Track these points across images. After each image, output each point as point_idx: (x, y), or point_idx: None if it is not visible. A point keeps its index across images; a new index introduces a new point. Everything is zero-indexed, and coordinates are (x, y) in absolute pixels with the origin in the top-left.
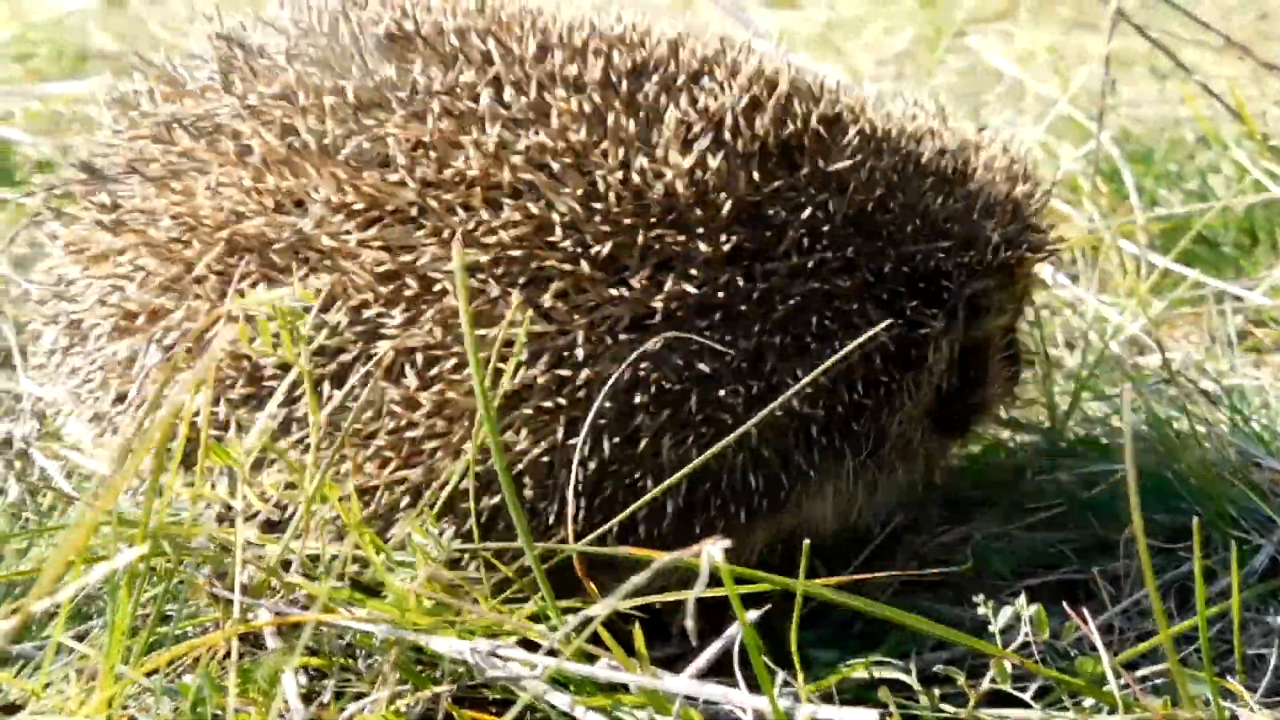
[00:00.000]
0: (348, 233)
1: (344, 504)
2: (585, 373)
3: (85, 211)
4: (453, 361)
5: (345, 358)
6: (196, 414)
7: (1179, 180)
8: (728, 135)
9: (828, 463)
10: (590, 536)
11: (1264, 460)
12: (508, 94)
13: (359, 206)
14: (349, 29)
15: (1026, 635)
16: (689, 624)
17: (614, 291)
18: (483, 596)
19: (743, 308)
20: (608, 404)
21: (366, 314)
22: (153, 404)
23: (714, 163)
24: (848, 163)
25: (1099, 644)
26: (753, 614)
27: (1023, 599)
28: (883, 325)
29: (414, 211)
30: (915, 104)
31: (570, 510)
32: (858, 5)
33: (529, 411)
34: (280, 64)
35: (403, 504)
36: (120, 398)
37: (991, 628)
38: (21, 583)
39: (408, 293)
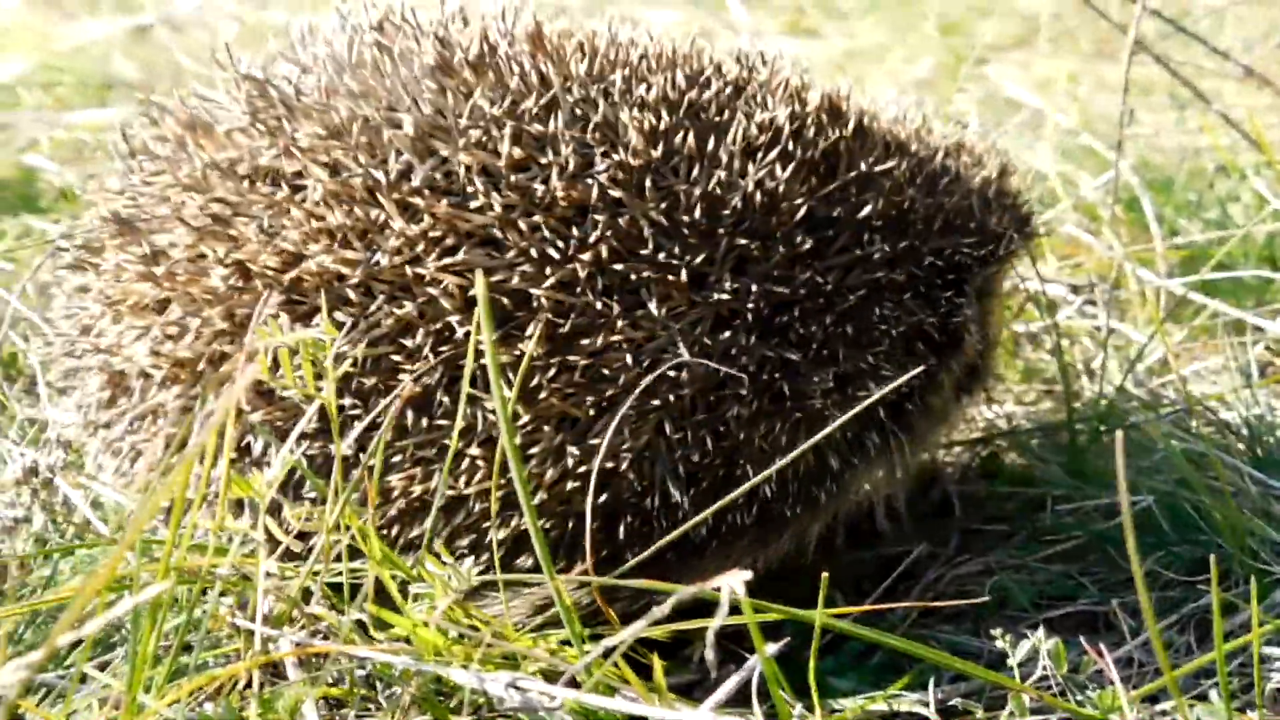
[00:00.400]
0: (424, 261)
1: (366, 531)
2: (682, 370)
3: (123, 262)
4: (552, 370)
5: (430, 380)
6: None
7: (1198, 209)
8: (788, 146)
9: (886, 441)
10: (686, 525)
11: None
12: (574, 114)
13: (436, 234)
14: (389, 61)
15: (1045, 668)
16: (709, 655)
17: (699, 296)
18: (506, 626)
19: (811, 303)
20: (703, 399)
21: (453, 334)
22: (179, 441)
23: (780, 172)
24: (883, 165)
25: (1116, 678)
26: (772, 647)
27: (1041, 632)
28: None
29: (495, 235)
30: (912, 108)
31: (676, 500)
32: (878, 33)
33: (629, 413)
34: (323, 102)
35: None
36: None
37: (1010, 661)
38: (44, 611)
39: (498, 310)
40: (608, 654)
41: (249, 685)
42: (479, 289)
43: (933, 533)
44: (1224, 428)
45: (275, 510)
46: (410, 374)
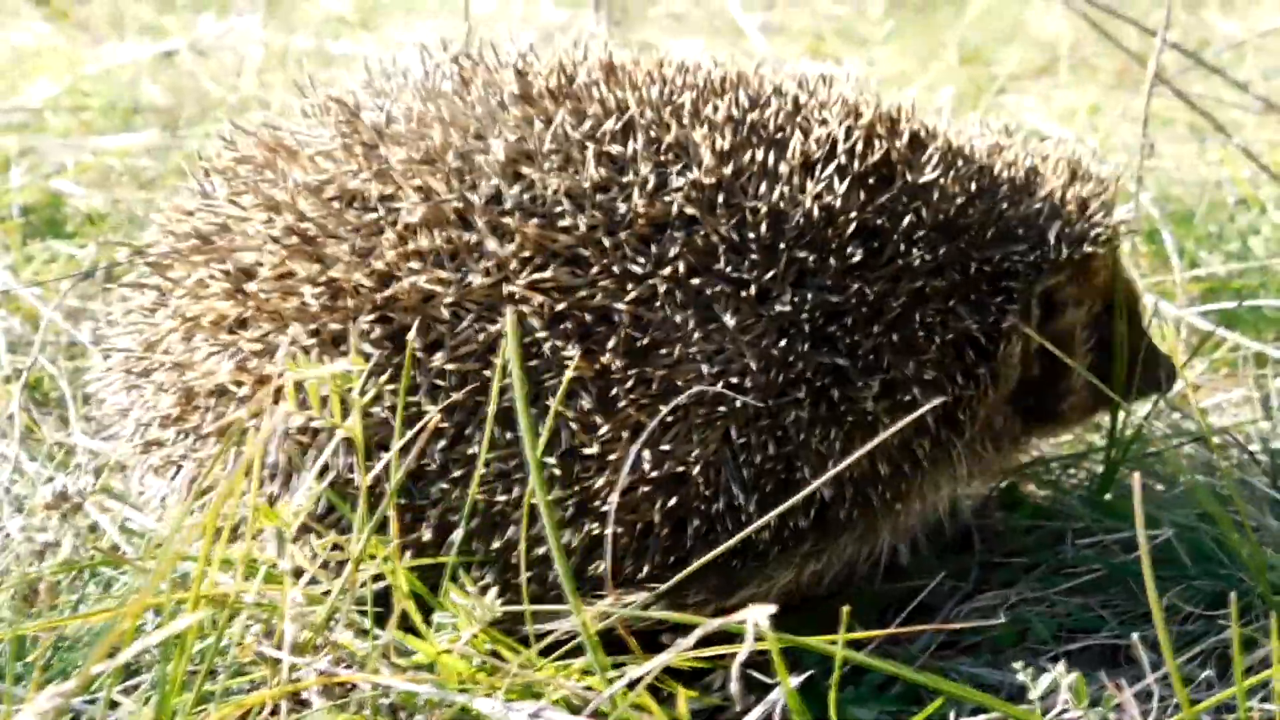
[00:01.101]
0: (513, 280)
1: (393, 563)
2: (749, 379)
3: (206, 278)
4: (630, 381)
5: (506, 397)
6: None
7: (1219, 242)
8: (843, 159)
9: (938, 450)
10: (751, 528)
11: None
12: (649, 136)
13: (525, 254)
14: (473, 92)
15: (1065, 702)
16: (734, 689)
17: (764, 309)
18: (530, 654)
19: (863, 311)
20: (765, 406)
21: (540, 350)
22: (208, 476)
23: (838, 186)
24: (931, 175)
25: (1135, 713)
26: (795, 679)
27: (1061, 666)
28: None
29: (580, 253)
30: (984, 124)
31: (741, 501)
32: (899, 62)
33: (699, 420)
34: (415, 129)
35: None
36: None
37: (1030, 694)
38: (72, 636)
39: (581, 326)
40: (635, 684)
41: (275, 713)
42: (509, 326)
43: (953, 565)
44: (1245, 460)
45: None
46: (503, 387)
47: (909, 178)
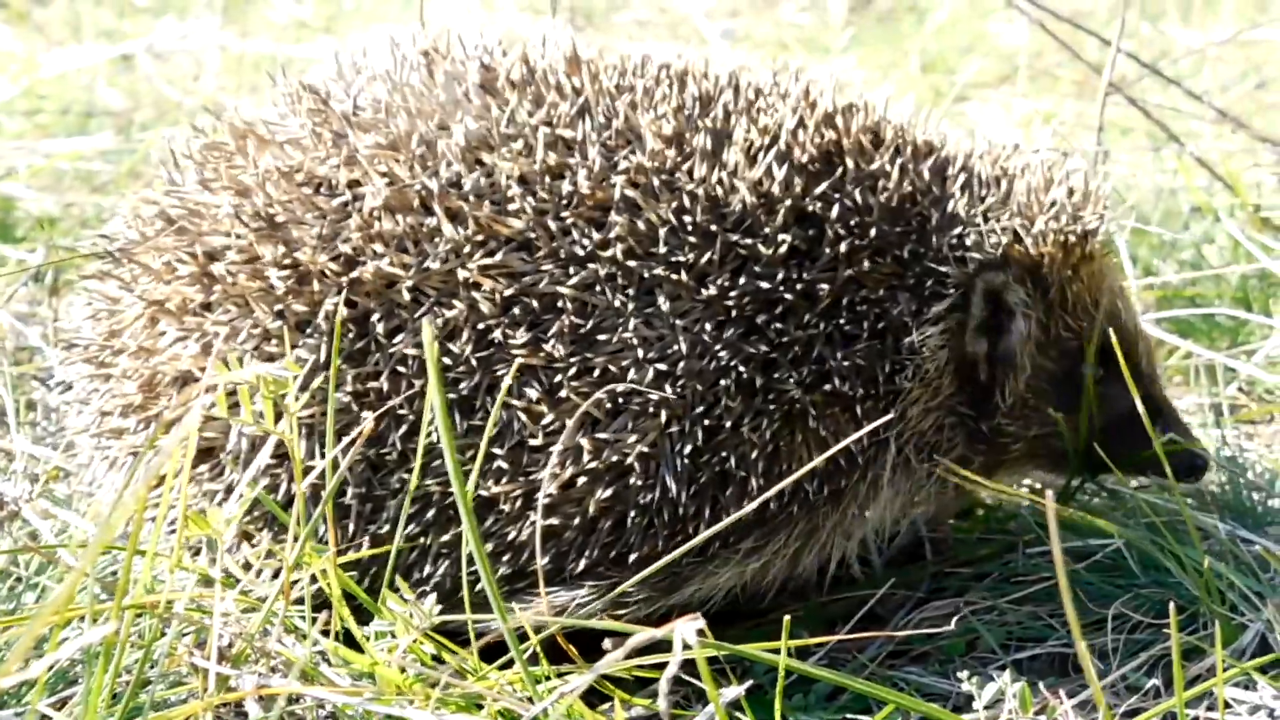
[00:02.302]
0: (468, 265)
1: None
2: (681, 366)
3: (173, 262)
4: (573, 370)
5: (466, 385)
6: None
7: (1173, 250)
8: (784, 147)
9: (873, 447)
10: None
11: (1254, 535)
12: (600, 121)
13: (479, 239)
14: (438, 82)
15: (1012, 711)
16: (662, 705)
17: (702, 293)
18: (472, 658)
19: (797, 299)
20: (698, 393)
21: (492, 337)
22: (131, 476)
23: (777, 173)
24: (878, 164)
25: None
26: (732, 691)
27: (1007, 675)
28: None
29: (530, 237)
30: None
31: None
32: (860, 70)
33: (635, 409)
34: (381, 116)
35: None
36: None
37: (976, 703)
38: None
39: (529, 313)
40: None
41: None
42: (426, 339)
43: (903, 575)
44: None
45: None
46: (458, 375)
47: (855, 165)
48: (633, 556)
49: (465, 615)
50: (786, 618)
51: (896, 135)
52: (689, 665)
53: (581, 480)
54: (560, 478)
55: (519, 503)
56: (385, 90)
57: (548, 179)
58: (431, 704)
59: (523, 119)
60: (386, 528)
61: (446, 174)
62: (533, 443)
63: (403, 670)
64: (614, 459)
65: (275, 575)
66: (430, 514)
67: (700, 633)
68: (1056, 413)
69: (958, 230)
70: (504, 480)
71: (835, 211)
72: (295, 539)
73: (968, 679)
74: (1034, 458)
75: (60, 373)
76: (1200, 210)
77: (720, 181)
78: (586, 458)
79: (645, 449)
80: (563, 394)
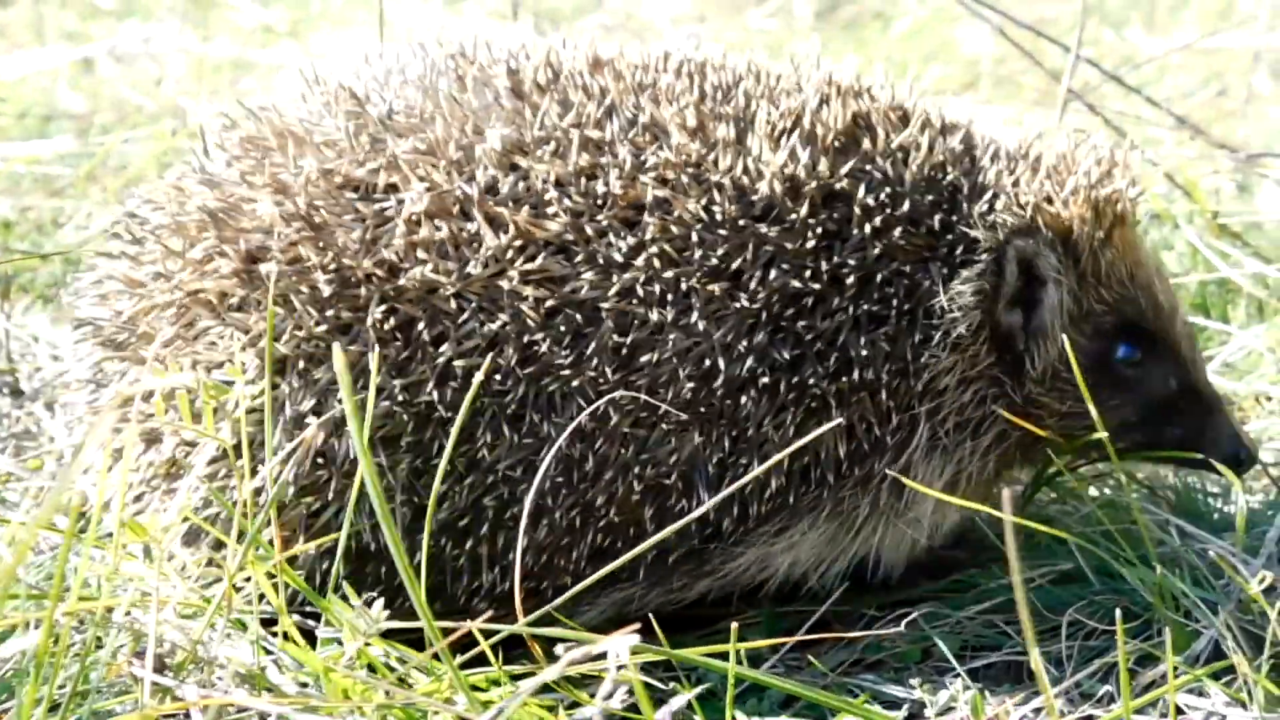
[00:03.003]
0: (509, 271)
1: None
2: (716, 379)
3: (213, 252)
4: (618, 392)
5: (513, 398)
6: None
7: None
8: (808, 127)
9: (901, 434)
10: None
11: (1209, 542)
12: (627, 119)
13: (519, 244)
14: (471, 86)
15: (964, 719)
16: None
17: (733, 302)
18: (428, 660)
19: (820, 288)
20: (726, 402)
21: (537, 350)
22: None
23: (802, 155)
24: (906, 136)
25: None
26: (679, 700)
27: (959, 683)
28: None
29: (568, 240)
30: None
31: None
32: None
33: (671, 425)
34: (416, 121)
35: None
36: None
37: (928, 710)
38: None
39: (572, 325)
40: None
41: None
42: (337, 365)
43: (860, 585)
44: (1151, 478)
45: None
46: (504, 388)
47: (884, 137)
48: (673, 557)
49: (402, 622)
50: (734, 624)
51: (922, 112)
52: (652, 666)
53: (633, 498)
54: (613, 497)
55: (576, 519)
56: (419, 95)
57: (582, 180)
58: (372, 710)
59: (552, 122)
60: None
61: (483, 179)
62: (584, 466)
63: (349, 676)
64: (655, 477)
65: (233, 583)
66: (484, 527)
67: (643, 641)
68: (1091, 390)
69: (988, 197)
70: (560, 498)
71: (864, 187)
72: (236, 544)
73: (920, 686)
74: (1071, 438)
75: (69, 350)
76: (1159, 217)
77: (746, 170)
78: (633, 480)
79: (684, 466)
80: (611, 416)
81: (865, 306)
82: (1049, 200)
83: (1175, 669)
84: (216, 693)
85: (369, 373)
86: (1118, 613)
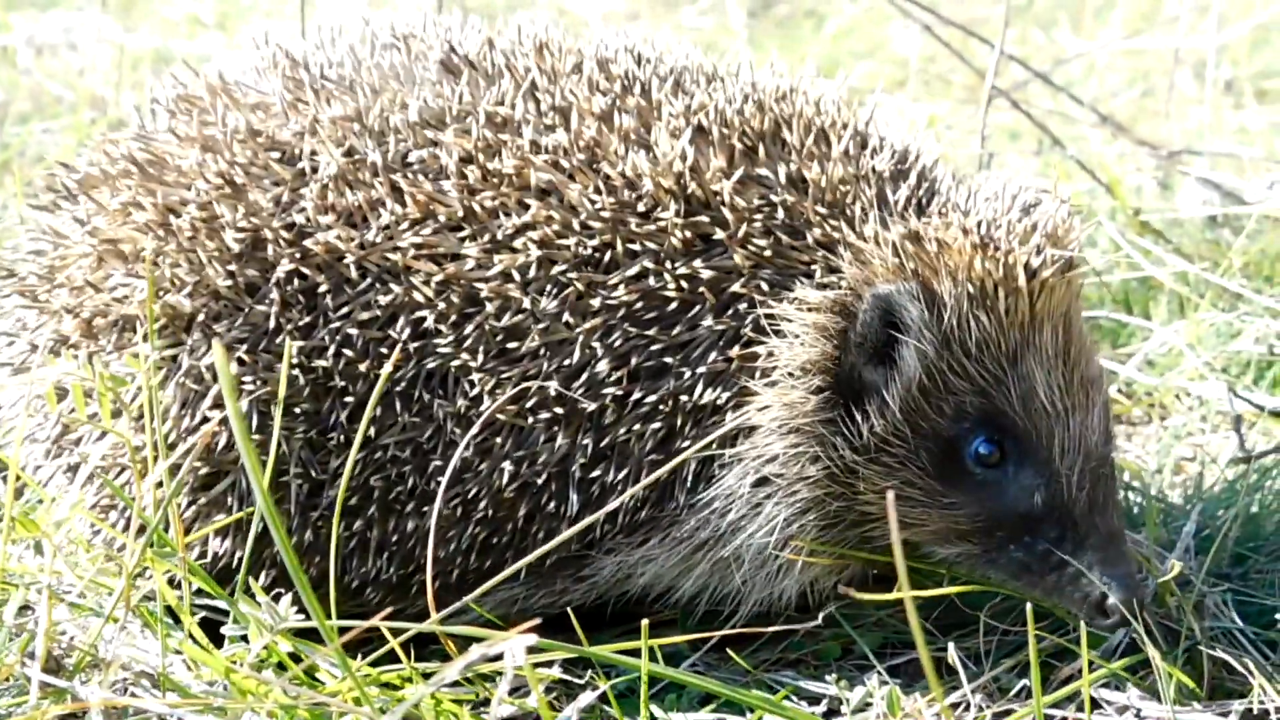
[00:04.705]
0: (405, 244)
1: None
2: (585, 375)
3: (129, 204)
4: (491, 382)
5: (403, 373)
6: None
7: None
8: (710, 125)
9: (728, 465)
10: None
11: (1131, 535)
12: (542, 101)
13: (415, 216)
14: (404, 58)
15: (880, 714)
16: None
17: (597, 298)
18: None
19: (682, 296)
20: (589, 405)
21: (425, 326)
22: None
23: (690, 153)
24: (823, 145)
25: None
26: (586, 697)
27: (875, 679)
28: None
29: (459, 216)
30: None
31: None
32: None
33: (542, 424)
34: (347, 89)
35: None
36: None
37: (844, 707)
38: None
39: (455, 306)
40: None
41: None
42: (217, 357)
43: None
44: None
45: None
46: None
47: (794, 143)
48: (550, 560)
49: (314, 622)
50: (645, 621)
51: (846, 123)
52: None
53: (507, 495)
54: (489, 490)
55: (458, 509)
56: (352, 65)
57: (482, 157)
58: (267, 711)
59: (470, 98)
60: (326, 514)
61: (397, 149)
62: (465, 453)
63: (251, 676)
64: (530, 475)
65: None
66: (372, 507)
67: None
68: (926, 479)
69: (874, 224)
70: (442, 485)
71: (747, 192)
72: (134, 540)
73: (836, 682)
74: (901, 524)
75: None
76: (1082, 213)
77: (636, 165)
78: (507, 476)
79: (555, 467)
80: (484, 404)
81: (724, 321)
82: (929, 242)
83: (1091, 663)
84: (115, 693)
85: (270, 334)
86: (1027, 608)
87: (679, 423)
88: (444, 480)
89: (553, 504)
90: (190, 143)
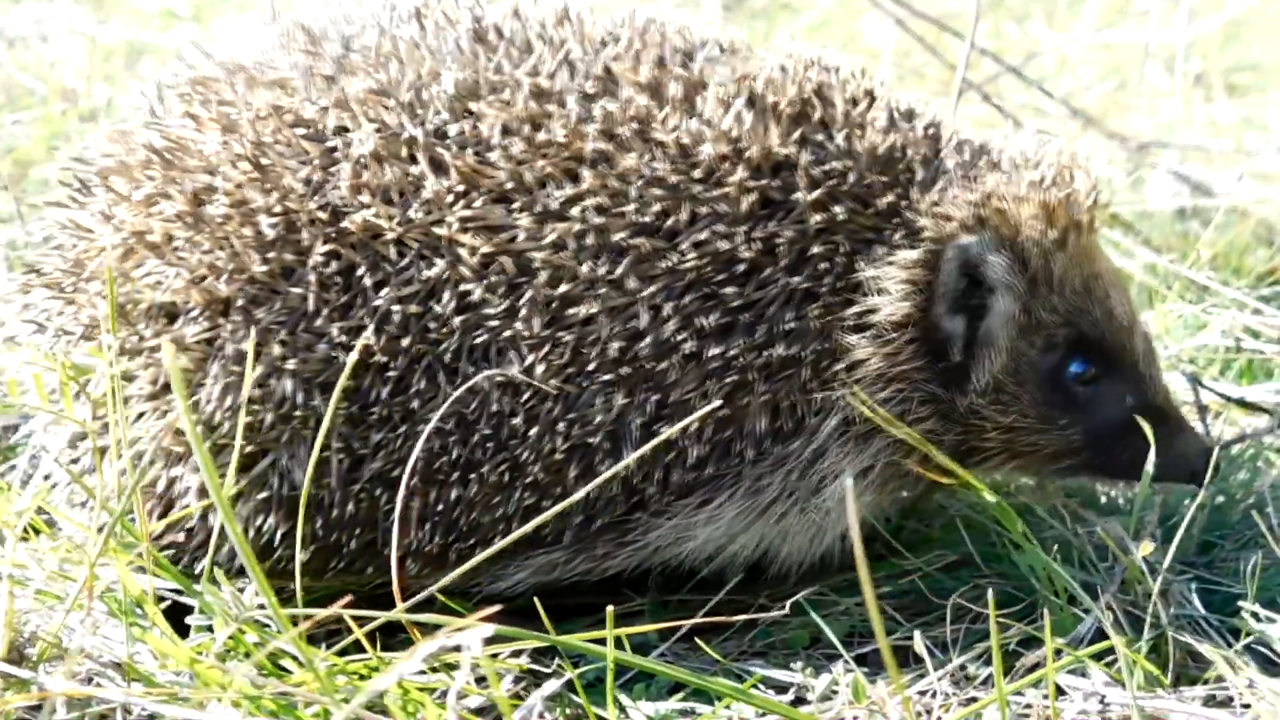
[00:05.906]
0: (452, 218)
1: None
2: (643, 341)
3: (156, 194)
4: (545, 348)
5: (448, 346)
6: None
7: None
8: (760, 91)
9: (820, 417)
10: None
11: (1095, 524)
12: (581, 71)
13: (460, 189)
14: (429, 29)
15: (846, 703)
16: (450, 701)
17: (664, 261)
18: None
19: (754, 256)
20: (652, 365)
21: (471, 299)
22: None
23: (747, 118)
24: (872, 112)
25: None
26: (550, 686)
27: (840, 667)
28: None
29: (508, 187)
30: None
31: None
32: None
33: (599, 385)
34: (373, 62)
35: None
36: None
37: (810, 695)
38: None
39: (506, 276)
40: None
41: None
42: (167, 359)
43: (748, 571)
44: None
45: None
46: (440, 337)
47: (844, 111)
48: (597, 523)
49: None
50: (610, 608)
51: (888, 95)
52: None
53: (558, 456)
54: (540, 454)
55: (505, 475)
56: (376, 35)
57: (527, 128)
58: (228, 697)
59: (508, 68)
60: (367, 487)
61: (433, 122)
62: (513, 421)
63: (215, 666)
64: (582, 437)
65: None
66: (414, 479)
67: (499, 630)
68: (1038, 407)
69: (940, 187)
70: (488, 453)
71: (810, 156)
72: (97, 528)
73: (802, 670)
74: (1013, 454)
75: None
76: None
77: (691, 130)
78: (559, 439)
79: (610, 426)
80: (538, 370)
81: (797, 281)
82: (1000, 198)
83: (1058, 650)
84: (79, 683)
85: (309, 316)
86: (989, 594)
87: (749, 378)
88: (490, 449)
89: (606, 464)
90: (209, 125)
